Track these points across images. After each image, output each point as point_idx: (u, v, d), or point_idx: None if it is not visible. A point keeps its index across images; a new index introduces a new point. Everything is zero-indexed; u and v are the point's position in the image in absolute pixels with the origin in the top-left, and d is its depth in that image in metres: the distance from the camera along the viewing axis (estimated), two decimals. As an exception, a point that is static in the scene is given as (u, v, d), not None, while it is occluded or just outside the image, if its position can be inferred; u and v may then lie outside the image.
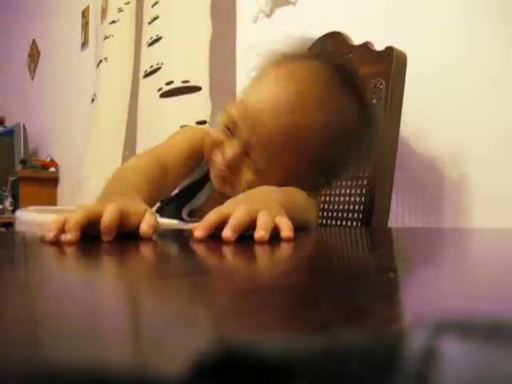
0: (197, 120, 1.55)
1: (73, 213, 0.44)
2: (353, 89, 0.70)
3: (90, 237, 0.43)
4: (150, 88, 1.75)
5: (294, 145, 0.65)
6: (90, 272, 0.32)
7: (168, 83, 1.65)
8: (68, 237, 0.41)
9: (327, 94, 0.67)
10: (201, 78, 1.57)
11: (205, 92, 1.57)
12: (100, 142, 1.97)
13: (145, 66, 1.81)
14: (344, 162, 0.75)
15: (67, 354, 0.13)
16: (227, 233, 0.43)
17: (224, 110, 0.70)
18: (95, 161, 1.97)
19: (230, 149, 0.67)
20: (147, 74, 1.79)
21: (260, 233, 0.44)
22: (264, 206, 0.49)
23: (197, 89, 1.57)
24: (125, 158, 1.89)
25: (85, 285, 0.26)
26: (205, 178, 0.76)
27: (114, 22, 2.05)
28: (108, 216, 0.44)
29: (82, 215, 0.44)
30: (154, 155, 0.72)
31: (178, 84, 1.61)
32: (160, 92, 1.67)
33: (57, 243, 0.42)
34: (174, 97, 1.62)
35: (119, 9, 2.04)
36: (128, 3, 2.02)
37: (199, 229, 0.44)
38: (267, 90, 0.67)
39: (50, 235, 0.42)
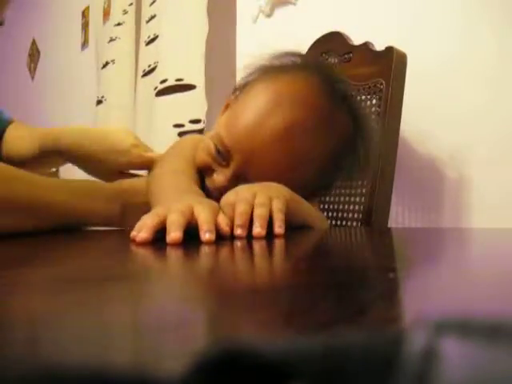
0: (191, 119, 1.55)
1: (169, 213, 0.43)
2: (349, 106, 0.67)
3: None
4: (146, 87, 1.75)
5: (289, 174, 0.63)
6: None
7: (162, 81, 1.65)
8: (174, 235, 0.40)
9: (325, 119, 0.64)
10: (195, 76, 1.57)
11: (200, 91, 1.57)
12: None
13: (143, 65, 1.82)
14: (338, 178, 0.74)
15: (66, 355, 0.13)
16: (257, 230, 0.47)
17: (214, 134, 0.66)
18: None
19: (221, 177, 0.65)
20: (145, 74, 1.80)
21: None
22: (267, 190, 0.53)
23: (191, 87, 1.57)
24: None
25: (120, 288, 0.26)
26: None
27: (119, 24, 2.05)
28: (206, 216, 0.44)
29: (181, 216, 0.43)
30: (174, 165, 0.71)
31: (171, 82, 1.61)
32: (156, 91, 1.67)
33: (147, 243, 0.40)
34: (168, 95, 1.62)
35: (124, 11, 2.04)
36: (131, 4, 2.02)
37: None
38: (261, 116, 0.63)
39: (144, 235, 0.41)
